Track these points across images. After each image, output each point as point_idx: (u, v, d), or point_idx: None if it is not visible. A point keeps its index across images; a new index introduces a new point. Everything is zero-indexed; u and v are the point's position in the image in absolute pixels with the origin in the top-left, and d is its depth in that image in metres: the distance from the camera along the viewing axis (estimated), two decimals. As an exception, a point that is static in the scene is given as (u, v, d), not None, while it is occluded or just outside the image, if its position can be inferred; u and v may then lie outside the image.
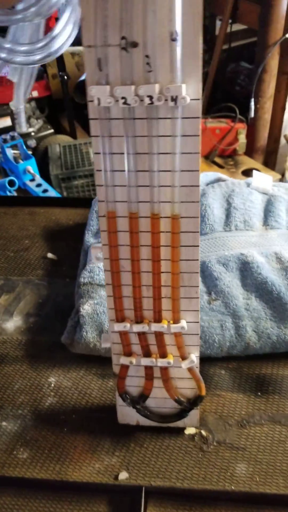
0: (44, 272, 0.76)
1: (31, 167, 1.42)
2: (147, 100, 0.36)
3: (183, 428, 0.54)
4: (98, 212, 0.42)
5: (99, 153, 0.39)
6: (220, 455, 0.51)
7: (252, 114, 1.98)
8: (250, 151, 2.16)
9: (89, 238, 0.73)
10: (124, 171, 0.39)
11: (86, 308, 0.60)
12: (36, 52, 0.50)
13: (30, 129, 2.13)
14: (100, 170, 0.39)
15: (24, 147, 1.42)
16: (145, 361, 0.48)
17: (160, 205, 0.40)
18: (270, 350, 0.59)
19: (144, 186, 0.40)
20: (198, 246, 0.43)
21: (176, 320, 0.46)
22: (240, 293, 0.61)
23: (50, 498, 0.49)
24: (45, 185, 1.43)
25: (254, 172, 0.80)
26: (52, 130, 2.25)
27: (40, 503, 0.48)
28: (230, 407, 0.56)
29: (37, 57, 0.51)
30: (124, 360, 0.48)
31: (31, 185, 1.43)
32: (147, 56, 0.35)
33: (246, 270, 0.63)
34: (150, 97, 0.35)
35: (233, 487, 0.48)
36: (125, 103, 0.36)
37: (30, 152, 1.52)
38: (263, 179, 0.78)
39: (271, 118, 2.08)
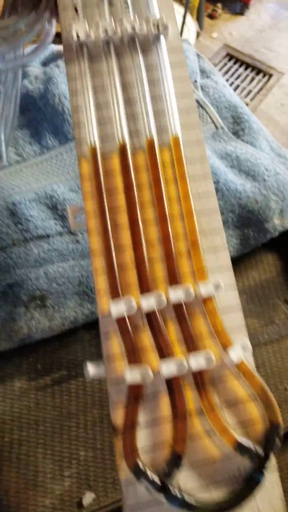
0: None
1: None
2: (130, 30, 0.34)
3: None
4: (78, 158, 0.31)
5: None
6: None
7: None
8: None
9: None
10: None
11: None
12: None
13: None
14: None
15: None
16: (168, 366, 0.27)
17: (152, 128, 0.32)
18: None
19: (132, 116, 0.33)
20: (209, 173, 0.31)
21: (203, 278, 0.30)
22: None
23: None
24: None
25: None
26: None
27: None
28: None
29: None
30: (132, 374, 0.27)
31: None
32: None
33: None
34: (133, 28, 0.34)
35: None
36: (106, 35, 0.34)
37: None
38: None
39: None
